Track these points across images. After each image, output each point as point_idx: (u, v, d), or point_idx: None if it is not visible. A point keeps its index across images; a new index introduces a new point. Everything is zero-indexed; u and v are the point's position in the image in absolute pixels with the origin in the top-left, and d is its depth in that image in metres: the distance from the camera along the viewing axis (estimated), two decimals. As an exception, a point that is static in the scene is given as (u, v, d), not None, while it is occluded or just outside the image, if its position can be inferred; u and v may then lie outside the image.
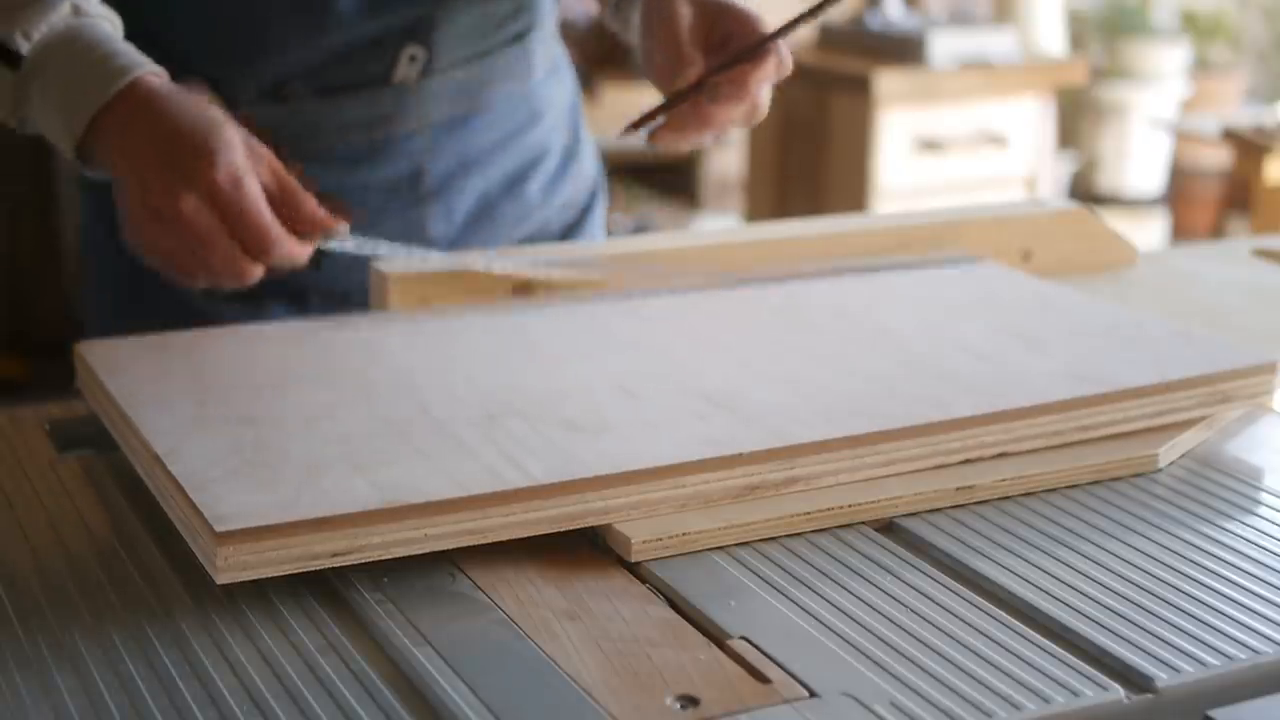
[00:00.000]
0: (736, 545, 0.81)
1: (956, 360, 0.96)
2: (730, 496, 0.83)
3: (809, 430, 0.86)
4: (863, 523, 0.84)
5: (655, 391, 0.91)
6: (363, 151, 1.20)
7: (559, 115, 1.33)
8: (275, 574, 0.74)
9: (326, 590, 0.75)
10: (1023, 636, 0.72)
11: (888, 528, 0.84)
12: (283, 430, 0.84)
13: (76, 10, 1.00)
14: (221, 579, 0.73)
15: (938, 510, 0.85)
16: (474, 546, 0.78)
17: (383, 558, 0.76)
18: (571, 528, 0.80)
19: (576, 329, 1.02)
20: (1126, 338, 1.01)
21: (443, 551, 0.78)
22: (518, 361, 0.96)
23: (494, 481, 0.79)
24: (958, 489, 0.86)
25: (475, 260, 1.08)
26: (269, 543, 0.73)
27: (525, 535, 0.79)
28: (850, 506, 0.84)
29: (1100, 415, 0.91)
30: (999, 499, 0.87)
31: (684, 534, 0.80)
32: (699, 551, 0.80)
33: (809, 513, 0.83)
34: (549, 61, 1.31)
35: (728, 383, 0.92)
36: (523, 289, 1.09)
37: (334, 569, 0.76)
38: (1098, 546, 0.81)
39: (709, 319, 1.04)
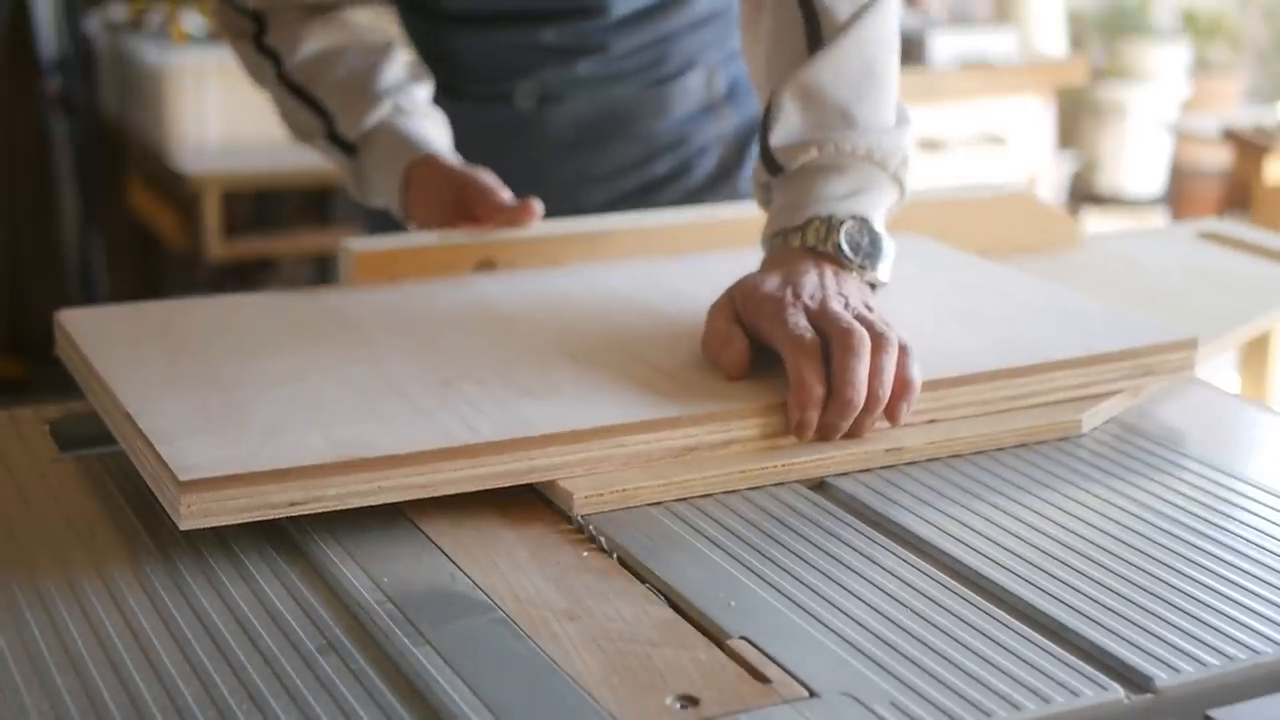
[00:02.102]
0: (676, 501, 0.85)
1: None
2: (670, 456, 0.87)
3: (747, 395, 0.90)
4: (796, 481, 0.88)
5: (604, 359, 0.95)
6: None
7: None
8: (235, 521, 0.78)
9: (327, 590, 0.75)
10: (1023, 636, 0.72)
11: (819, 486, 0.88)
12: (248, 392, 0.89)
13: (398, 110, 1.30)
14: (185, 525, 0.77)
15: (868, 470, 0.89)
16: (474, 547, 0.79)
17: (337, 508, 0.80)
18: (518, 483, 0.84)
19: (533, 301, 1.06)
20: (1058, 314, 1.05)
21: (443, 551, 0.78)
22: (475, 330, 1.00)
23: (445, 439, 0.83)
24: (887, 450, 0.90)
25: None
26: (230, 491, 0.78)
27: (473, 490, 0.83)
28: (784, 465, 0.88)
29: (1026, 386, 0.96)
30: (927, 460, 0.91)
31: (624, 489, 0.84)
32: (639, 506, 0.84)
33: (745, 470, 0.87)
34: None
35: (674, 350, 0.97)
36: (486, 265, 1.15)
37: (334, 568, 0.76)
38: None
39: (660, 291, 1.09)
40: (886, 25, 1.07)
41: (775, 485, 0.88)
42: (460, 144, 1.35)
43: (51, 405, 0.99)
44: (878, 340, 0.91)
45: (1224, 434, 0.99)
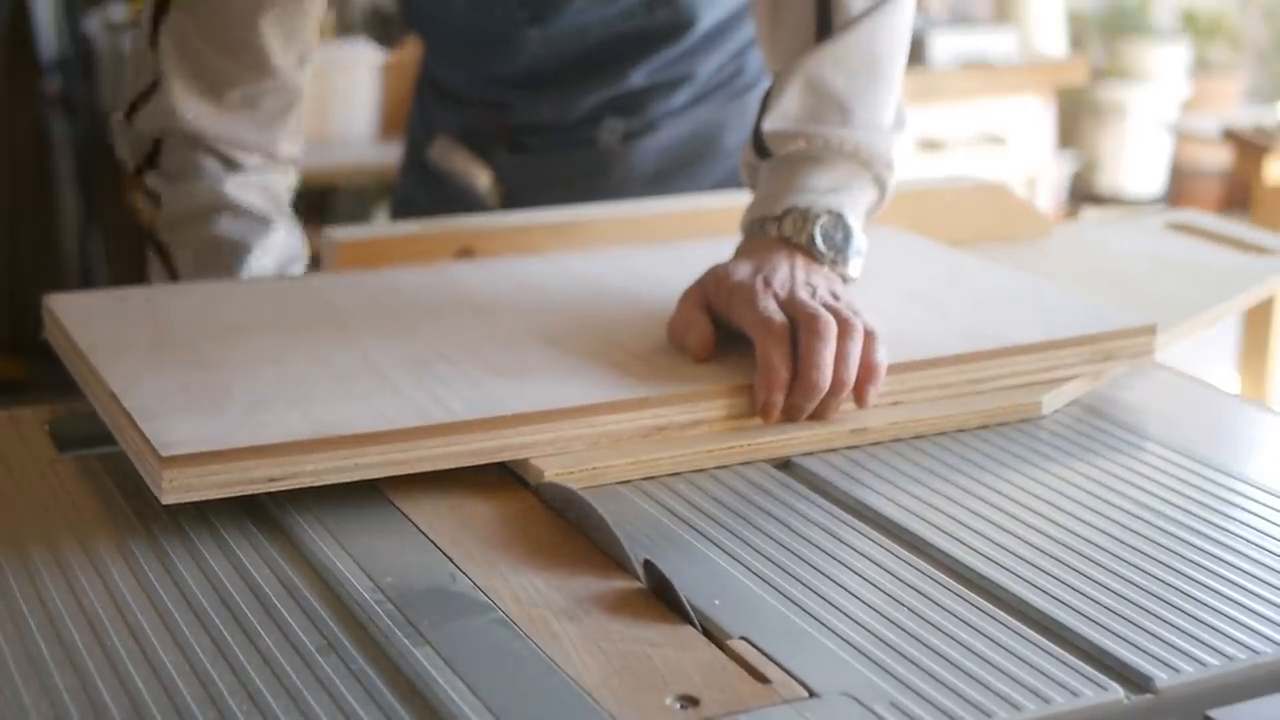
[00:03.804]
0: (644, 480, 0.87)
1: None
2: (640, 435, 0.89)
3: (715, 377, 0.92)
4: (763, 460, 0.90)
5: (577, 342, 0.97)
6: None
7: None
8: (216, 496, 0.80)
9: (327, 590, 0.75)
10: (1022, 636, 0.72)
11: (785, 465, 0.90)
12: (229, 372, 0.90)
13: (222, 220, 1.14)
14: (166, 499, 0.79)
15: (833, 450, 0.91)
16: (473, 546, 0.79)
17: (315, 484, 0.82)
18: (491, 461, 0.86)
19: (510, 286, 1.08)
20: (1022, 300, 1.07)
21: (443, 551, 0.78)
22: (452, 314, 1.02)
23: (419, 417, 0.85)
24: (851, 430, 0.92)
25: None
26: (210, 467, 0.80)
27: (448, 467, 0.85)
28: (751, 445, 0.90)
29: (988, 369, 0.97)
30: (891, 440, 0.93)
31: (594, 468, 0.86)
32: (608, 484, 0.86)
33: (712, 450, 0.89)
34: None
35: (646, 335, 0.98)
36: (465, 253, 1.17)
37: (336, 570, 0.76)
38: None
39: (635, 278, 1.10)
40: (898, 26, 1.08)
41: (742, 464, 0.89)
42: (522, 192, 1.34)
43: (52, 405, 0.99)
44: (844, 326, 0.92)
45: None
